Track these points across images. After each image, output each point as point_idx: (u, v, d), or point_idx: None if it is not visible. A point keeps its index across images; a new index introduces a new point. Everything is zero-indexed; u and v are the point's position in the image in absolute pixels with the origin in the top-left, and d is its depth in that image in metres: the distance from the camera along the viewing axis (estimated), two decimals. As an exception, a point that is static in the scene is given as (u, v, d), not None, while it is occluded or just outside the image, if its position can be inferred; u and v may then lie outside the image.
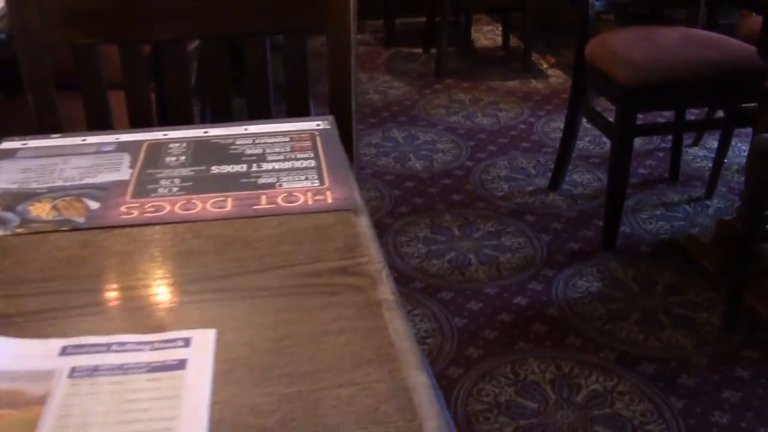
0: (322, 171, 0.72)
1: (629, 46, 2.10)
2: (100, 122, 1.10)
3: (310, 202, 0.66)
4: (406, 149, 2.89)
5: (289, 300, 0.53)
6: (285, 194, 0.67)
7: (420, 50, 3.95)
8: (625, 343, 1.84)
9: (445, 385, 1.72)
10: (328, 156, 0.75)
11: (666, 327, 1.90)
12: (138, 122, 1.12)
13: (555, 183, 2.55)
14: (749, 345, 1.83)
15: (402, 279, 2.10)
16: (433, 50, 3.78)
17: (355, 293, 0.54)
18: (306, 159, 0.74)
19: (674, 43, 2.15)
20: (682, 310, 1.96)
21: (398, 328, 0.51)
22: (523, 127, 3.05)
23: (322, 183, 0.69)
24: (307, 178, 0.70)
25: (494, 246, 2.26)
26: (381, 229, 2.34)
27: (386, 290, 0.55)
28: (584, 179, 2.63)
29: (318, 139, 0.78)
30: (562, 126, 2.49)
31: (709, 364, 1.77)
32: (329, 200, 0.67)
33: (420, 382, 0.46)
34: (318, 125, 0.81)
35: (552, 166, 2.61)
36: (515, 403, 1.67)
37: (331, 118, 0.83)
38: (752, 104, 2.09)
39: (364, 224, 0.64)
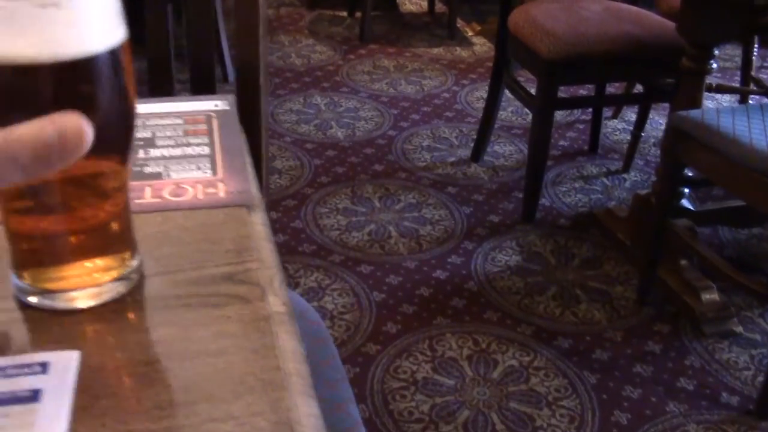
0: (216, 159, 0.66)
1: (551, 18, 2.08)
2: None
3: (199, 195, 0.60)
4: (328, 116, 2.82)
5: (165, 314, 0.48)
6: (172, 186, 0.61)
7: (344, 13, 3.86)
8: (542, 318, 1.85)
9: (361, 362, 1.69)
10: (224, 142, 0.69)
11: (582, 301, 1.92)
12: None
13: (477, 154, 2.54)
14: (660, 319, 1.86)
15: (321, 252, 2.06)
16: (358, 14, 3.69)
17: (241, 306, 0.49)
18: (199, 145, 0.68)
19: (596, 16, 2.14)
20: (597, 284, 1.98)
21: (287, 347, 0.46)
22: (447, 96, 3.02)
23: (215, 173, 0.63)
24: (198, 168, 0.64)
25: (415, 218, 2.23)
26: (300, 200, 2.29)
27: (277, 301, 0.50)
28: (506, 150, 2.63)
29: (214, 121, 0.72)
30: (485, 96, 2.47)
31: (623, 338, 1.80)
32: (221, 194, 0.61)
33: (306, 412, 0.41)
34: (216, 105, 0.75)
35: (475, 137, 2.60)
36: (432, 380, 1.65)
37: (231, 97, 0.77)
38: (670, 80, 2.11)
39: (258, 222, 0.58)
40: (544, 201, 2.31)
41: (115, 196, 0.47)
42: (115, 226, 0.48)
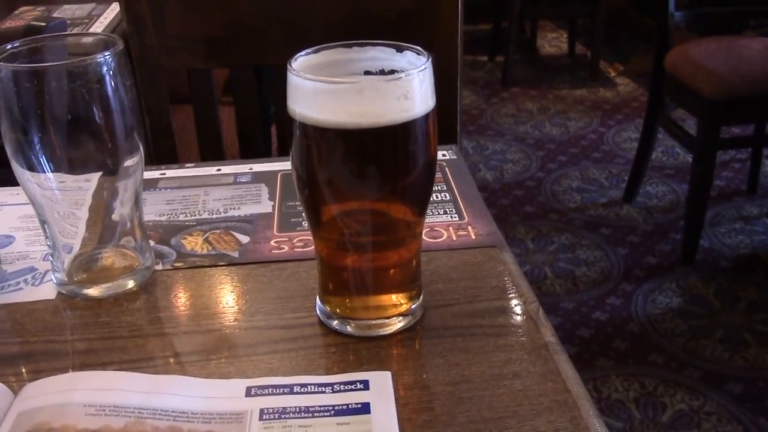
0: (459, 204, 0.73)
1: (712, 58, 2.07)
2: (209, 136, 1.14)
3: (453, 237, 0.67)
4: (476, 159, 2.89)
5: (454, 342, 0.54)
6: (427, 229, 0.68)
7: (485, 58, 3.94)
8: (710, 362, 1.82)
9: (528, 401, 1.71)
10: (460, 188, 0.76)
11: (751, 345, 1.87)
12: (244, 135, 1.16)
13: (629, 195, 2.52)
14: (841, 366, 1.78)
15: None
16: (499, 58, 3.77)
17: (519, 335, 0.55)
18: (441, 192, 0.75)
19: (758, 55, 2.11)
20: (767, 328, 1.92)
21: (569, 373, 0.51)
22: (594, 137, 3.03)
23: (461, 218, 0.70)
24: (446, 212, 0.71)
25: (569, 259, 2.24)
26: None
27: (548, 332, 0.56)
28: (659, 191, 2.60)
29: (447, 169, 0.79)
30: (633, 136, 2.47)
31: (800, 385, 1.73)
32: (472, 236, 0.67)
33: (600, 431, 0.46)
34: (444, 155, 0.82)
35: (625, 177, 2.59)
36: (600, 421, 1.65)
37: (455, 147, 0.84)
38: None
39: (510, 261, 0.64)
40: (703, 242, 2.27)
41: (416, 239, 0.55)
42: (412, 266, 0.56)
